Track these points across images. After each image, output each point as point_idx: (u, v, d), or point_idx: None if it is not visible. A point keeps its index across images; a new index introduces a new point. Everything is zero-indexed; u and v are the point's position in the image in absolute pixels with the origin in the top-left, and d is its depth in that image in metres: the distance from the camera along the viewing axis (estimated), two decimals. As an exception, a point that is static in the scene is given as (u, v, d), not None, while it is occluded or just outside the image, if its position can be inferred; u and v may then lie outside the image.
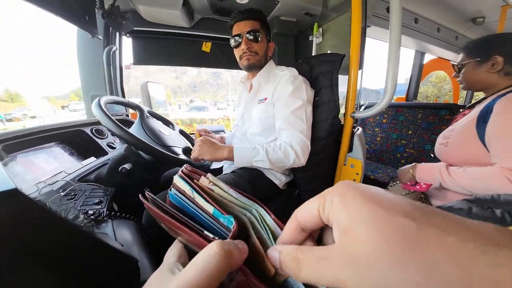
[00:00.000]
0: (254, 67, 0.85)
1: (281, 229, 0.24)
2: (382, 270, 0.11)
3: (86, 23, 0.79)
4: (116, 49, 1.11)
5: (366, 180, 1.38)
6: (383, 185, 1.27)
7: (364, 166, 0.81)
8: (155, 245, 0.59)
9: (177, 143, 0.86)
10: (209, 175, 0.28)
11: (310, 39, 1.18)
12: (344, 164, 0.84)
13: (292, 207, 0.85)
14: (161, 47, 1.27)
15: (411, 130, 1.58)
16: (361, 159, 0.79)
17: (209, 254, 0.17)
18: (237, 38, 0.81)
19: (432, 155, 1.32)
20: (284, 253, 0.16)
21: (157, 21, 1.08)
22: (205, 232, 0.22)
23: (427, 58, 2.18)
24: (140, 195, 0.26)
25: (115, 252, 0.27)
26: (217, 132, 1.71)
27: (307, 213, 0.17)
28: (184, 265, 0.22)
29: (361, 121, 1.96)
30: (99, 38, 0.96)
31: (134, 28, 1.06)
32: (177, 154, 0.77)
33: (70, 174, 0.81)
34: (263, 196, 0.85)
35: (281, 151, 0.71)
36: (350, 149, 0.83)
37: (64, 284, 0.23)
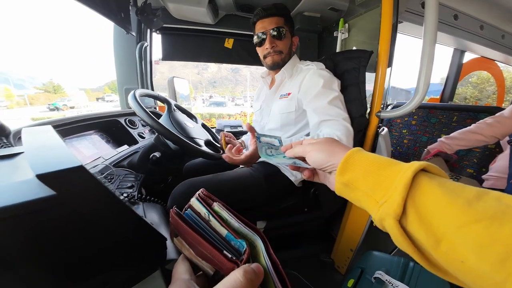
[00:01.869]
0: (279, 66, 0.84)
1: (276, 261, 0.27)
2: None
3: (122, 20, 0.86)
4: (147, 45, 1.19)
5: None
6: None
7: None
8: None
9: (200, 136, 0.91)
10: (215, 204, 0.32)
11: (335, 35, 1.14)
12: (366, 165, 0.81)
13: (307, 205, 0.86)
14: (187, 43, 1.33)
15: (444, 133, 1.46)
16: (385, 160, 0.76)
17: (235, 281, 0.21)
18: (260, 35, 0.80)
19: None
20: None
21: (184, 18, 1.13)
22: (225, 251, 0.25)
23: (468, 57, 1.97)
24: (171, 210, 0.31)
25: (148, 228, 0.31)
26: (235, 127, 1.75)
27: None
28: (196, 282, 0.26)
29: (387, 122, 1.85)
30: (133, 35, 1.03)
31: (163, 25, 1.12)
32: (200, 146, 0.81)
33: (107, 159, 0.90)
34: (277, 192, 0.86)
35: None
36: (373, 150, 0.80)
37: (100, 250, 0.27)
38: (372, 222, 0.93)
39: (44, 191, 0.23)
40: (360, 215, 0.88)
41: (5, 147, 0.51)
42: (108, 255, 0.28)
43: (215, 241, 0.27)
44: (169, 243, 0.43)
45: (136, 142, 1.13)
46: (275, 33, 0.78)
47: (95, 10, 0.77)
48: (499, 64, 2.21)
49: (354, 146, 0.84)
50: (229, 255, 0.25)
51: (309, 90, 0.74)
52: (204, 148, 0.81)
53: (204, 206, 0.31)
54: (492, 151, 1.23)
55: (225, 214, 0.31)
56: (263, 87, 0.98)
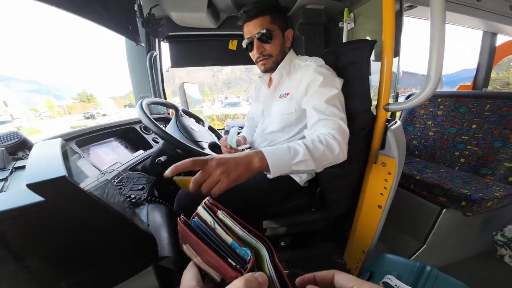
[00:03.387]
0: (272, 69, 0.81)
1: (280, 271, 0.27)
2: None
3: (131, 32, 0.93)
4: (157, 54, 1.26)
5: (409, 180, 1.21)
6: (431, 187, 1.09)
7: (399, 165, 0.71)
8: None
9: (205, 139, 0.94)
10: (220, 212, 0.33)
11: (340, 26, 1.08)
12: (375, 163, 0.76)
13: (313, 205, 0.84)
14: (193, 49, 1.38)
15: (476, 124, 1.29)
16: (395, 157, 0.70)
17: None
18: (247, 40, 0.77)
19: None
20: None
21: (187, 25, 1.17)
22: (229, 259, 0.26)
23: (501, 39, 1.72)
24: (178, 219, 0.32)
25: (135, 228, 0.33)
26: (242, 128, 1.76)
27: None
28: None
29: (409, 114, 1.71)
30: (142, 45, 1.10)
31: (169, 34, 1.18)
32: (203, 149, 0.84)
33: (123, 164, 0.98)
34: (281, 192, 0.85)
35: (323, 144, 0.57)
36: (382, 147, 0.75)
37: (88, 258, 0.31)
38: (385, 224, 0.87)
39: (36, 197, 0.26)
40: (371, 216, 0.83)
41: (26, 159, 0.58)
42: (96, 252, 0.31)
43: (220, 249, 0.28)
44: (163, 243, 0.45)
45: (150, 146, 1.21)
46: (261, 37, 0.73)
47: (106, 27, 0.83)
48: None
49: (361, 143, 0.81)
50: (233, 263, 0.26)
51: (308, 88, 0.70)
52: (207, 150, 0.84)
53: (210, 214, 0.32)
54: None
55: (229, 222, 0.31)
56: (261, 87, 0.94)
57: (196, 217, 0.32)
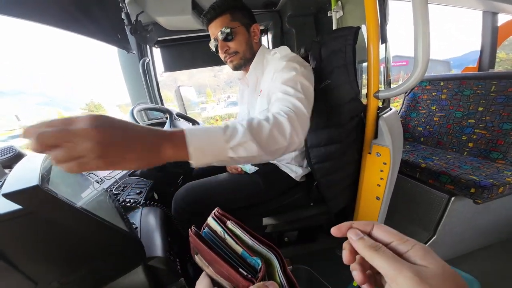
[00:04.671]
0: (242, 66, 0.79)
1: (292, 280, 0.27)
2: None
3: (120, 41, 0.94)
4: (149, 60, 1.28)
5: (414, 169, 1.17)
6: (437, 174, 1.06)
7: (394, 154, 0.69)
8: (178, 228, 0.69)
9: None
10: (229, 222, 0.33)
11: (329, 15, 1.06)
12: (369, 153, 0.74)
13: (311, 200, 0.83)
14: (184, 52, 1.39)
15: (482, 106, 1.23)
16: (389, 146, 0.68)
17: None
18: (213, 42, 0.76)
19: None
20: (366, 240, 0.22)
21: (175, 29, 1.18)
22: (240, 269, 0.27)
23: (503, 19, 1.63)
24: (189, 230, 0.32)
25: (117, 231, 0.34)
26: None
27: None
28: None
29: (412, 100, 1.65)
30: (134, 53, 1.12)
31: (159, 38, 1.19)
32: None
33: (122, 170, 1.01)
34: (277, 188, 0.84)
35: (270, 123, 0.46)
36: (375, 136, 0.72)
37: (72, 260, 0.32)
38: (392, 215, 0.84)
39: (14, 206, 0.28)
40: (370, 208, 0.81)
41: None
42: (79, 254, 0.33)
43: (231, 259, 0.28)
44: (154, 242, 0.47)
45: (149, 151, 1.23)
46: (222, 36, 0.72)
47: (93, 38, 0.85)
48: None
49: (352, 133, 0.78)
50: (245, 273, 0.26)
51: (273, 78, 0.67)
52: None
53: (220, 225, 0.32)
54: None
55: (238, 231, 0.32)
56: (244, 89, 0.92)
57: (206, 227, 0.33)
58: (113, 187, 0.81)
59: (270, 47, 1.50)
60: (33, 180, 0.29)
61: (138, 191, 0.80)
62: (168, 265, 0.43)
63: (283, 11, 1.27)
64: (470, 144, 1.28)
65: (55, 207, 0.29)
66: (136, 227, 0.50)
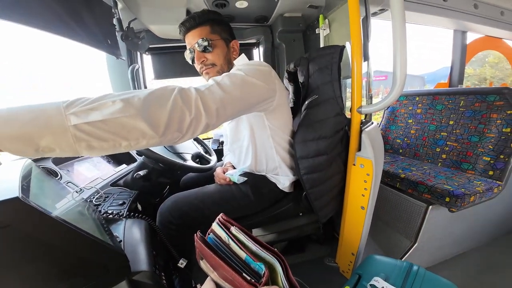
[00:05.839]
0: None
1: (296, 285, 0.28)
2: None
3: (109, 47, 0.92)
4: (139, 67, 1.26)
5: (395, 179, 1.24)
6: (415, 184, 1.12)
7: (376, 166, 0.73)
8: (164, 241, 0.66)
9: (188, 150, 0.94)
10: (233, 228, 0.34)
11: (317, 33, 1.13)
12: (354, 164, 0.78)
13: (300, 210, 0.84)
14: (176, 60, 1.38)
15: (453, 120, 1.35)
16: (371, 158, 0.72)
17: None
18: (189, 52, 0.74)
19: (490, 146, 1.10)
20: None
21: (168, 37, 1.18)
22: (244, 274, 0.27)
23: (472, 37, 1.85)
24: (195, 235, 0.32)
25: (100, 245, 0.32)
26: None
27: None
28: None
29: (391, 113, 1.77)
30: (123, 59, 1.10)
31: (151, 46, 1.18)
32: (185, 160, 0.83)
33: (104, 180, 0.96)
34: (267, 199, 0.85)
35: (165, 89, 0.43)
36: (359, 149, 0.76)
37: (54, 275, 0.30)
38: (377, 224, 0.87)
39: None
40: (356, 218, 0.84)
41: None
42: (62, 268, 0.31)
43: (235, 264, 0.29)
44: (139, 256, 0.45)
45: (135, 160, 1.18)
46: (201, 47, 0.69)
47: (82, 42, 0.83)
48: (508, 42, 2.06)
49: (338, 146, 0.82)
50: (248, 278, 0.27)
51: None
52: (189, 162, 0.83)
53: (224, 230, 0.33)
54: (508, 135, 1.12)
55: (242, 237, 0.33)
56: None
57: (211, 233, 0.34)
58: (93, 197, 0.76)
59: (261, 60, 1.54)
60: (11, 192, 0.27)
61: (120, 202, 0.76)
62: (154, 279, 0.41)
63: (274, 27, 1.33)
64: (444, 156, 1.39)
65: (35, 220, 0.27)
66: (120, 240, 0.47)
